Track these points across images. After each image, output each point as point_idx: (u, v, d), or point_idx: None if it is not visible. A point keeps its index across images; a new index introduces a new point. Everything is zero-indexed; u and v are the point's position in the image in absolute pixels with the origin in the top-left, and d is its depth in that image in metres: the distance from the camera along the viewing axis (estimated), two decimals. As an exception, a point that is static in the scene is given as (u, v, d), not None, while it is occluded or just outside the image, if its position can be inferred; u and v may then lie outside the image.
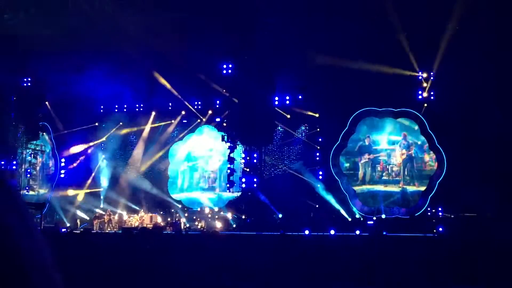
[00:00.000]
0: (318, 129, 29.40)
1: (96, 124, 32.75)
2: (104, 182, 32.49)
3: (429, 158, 28.41)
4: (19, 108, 31.49)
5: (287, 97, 29.50)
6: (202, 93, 31.03)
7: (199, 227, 28.36)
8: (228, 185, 29.70)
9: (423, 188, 28.19)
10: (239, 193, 29.83)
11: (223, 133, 30.21)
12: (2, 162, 31.17)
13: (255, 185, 29.25)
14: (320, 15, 25.88)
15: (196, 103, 31.56)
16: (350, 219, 27.76)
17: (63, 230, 28.48)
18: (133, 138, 32.97)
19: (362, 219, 27.84)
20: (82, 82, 29.93)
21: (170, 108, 31.97)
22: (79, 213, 31.05)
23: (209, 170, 32.09)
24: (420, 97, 28.18)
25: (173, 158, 32.63)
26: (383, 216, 27.56)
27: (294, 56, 27.37)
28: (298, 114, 29.73)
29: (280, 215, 28.22)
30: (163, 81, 30.14)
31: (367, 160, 29.04)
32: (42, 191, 33.64)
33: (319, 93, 28.87)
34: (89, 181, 32.36)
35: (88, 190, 32.06)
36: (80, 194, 31.67)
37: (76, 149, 32.31)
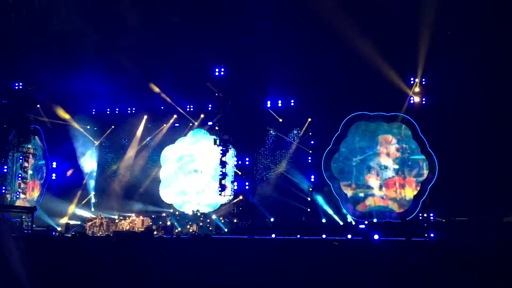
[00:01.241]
0: (310, 133, 29.45)
1: (88, 127, 32.64)
2: (96, 185, 32.41)
3: (421, 163, 28.44)
4: (11, 111, 31.34)
5: (279, 101, 29.58)
6: (194, 97, 31.00)
7: (190, 230, 28.31)
8: (220, 189, 29.65)
9: (415, 192, 28.22)
10: (231, 197, 29.80)
11: (215, 137, 30.21)
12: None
13: (247, 188, 29.25)
14: (313, 19, 25.93)
15: (188, 106, 31.52)
16: (342, 223, 27.78)
17: (53, 233, 28.39)
18: (125, 141, 32.89)
19: (353, 223, 27.88)
20: (73, 85, 29.89)
21: (162, 110, 31.92)
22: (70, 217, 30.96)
23: (200, 173, 32.02)
24: (411, 101, 28.26)
25: (165, 161, 32.56)
26: (375, 220, 27.62)
27: (287, 60, 27.39)
28: (291, 118, 29.77)
29: (272, 219, 28.25)
30: (155, 88, 30.24)
31: (358, 163, 29.07)
32: (33, 194, 33.48)
33: (312, 97, 28.92)
34: (81, 184, 32.23)
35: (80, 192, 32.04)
36: (72, 206, 31.55)
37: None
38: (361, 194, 28.80)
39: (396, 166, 28.63)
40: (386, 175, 28.69)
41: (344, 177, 29.08)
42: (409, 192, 28.29)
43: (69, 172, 32.28)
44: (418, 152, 28.36)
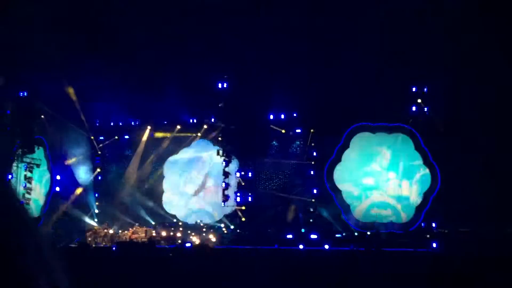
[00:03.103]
0: (313, 144, 29.57)
1: (92, 138, 32.78)
2: (99, 195, 32.49)
3: (423, 173, 28.51)
4: (15, 122, 31.45)
5: (282, 115, 29.73)
6: (197, 108, 31.15)
7: (193, 241, 28.33)
8: (223, 199, 29.72)
9: (418, 203, 28.28)
10: (233, 207, 29.86)
11: (218, 148, 30.30)
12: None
13: (249, 199, 29.32)
14: (315, 31, 26.09)
15: (191, 118, 31.68)
16: (344, 234, 27.82)
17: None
18: (128, 152, 32.99)
19: (356, 234, 27.92)
20: (77, 96, 30.07)
21: (165, 122, 32.14)
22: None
23: (203, 184, 32.08)
24: (414, 111, 28.37)
25: (168, 172, 32.64)
26: (378, 231, 27.65)
27: (289, 71, 27.52)
28: (293, 129, 29.88)
29: (274, 230, 28.30)
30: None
31: (359, 171, 29.23)
32: (37, 205, 33.49)
33: (314, 108, 29.04)
34: (83, 194, 32.26)
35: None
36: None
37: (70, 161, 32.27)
38: (361, 193, 28.89)
39: (395, 174, 28.77)
40: (386, 178, 28.82)
41: (345, 180, 29.14)
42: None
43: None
44: (421, 162, 28.43)
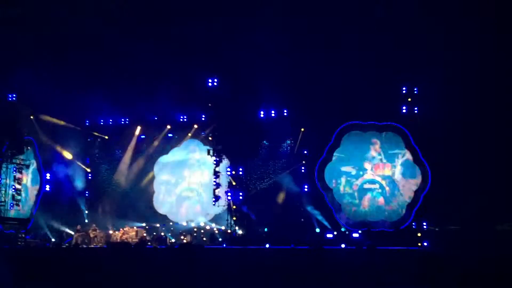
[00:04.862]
0: (301, 136, 29.60)
1: (82, 137, 32.60)
2: (89, 196, 32.35)
3: (413, 171, 28.60)
4: (4, 123, 31.29)
5: (272, 111, 29.65)
6: (187, 107, 31.06)
7: (184, 241, 28.27)
8: (213, 199, 29.69)
9: (408, 201, 28.36)
10: (225, 207, 29.82)
11: (208, 147, 30.26)
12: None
13: (240, 199, 29.30)
14: (306, 30, 26.15)
15: (181, 117, 31.56)
16: (335, 233, 27.85)
17: (48, 244, 28.34)
18: (118, 152, 32.86)
19: (347, 232, 27.96)
20: (67, 96, 29.91)
21: (155, 121, 32.01)
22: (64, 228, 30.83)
23: (194, 184, 32.02)
24: (404, 110, 28.44)
25: (158, 172, 32.54)
26: (369, 229, 27.71)
27: (280, 70, 27.51)
28: (284, 127, 29.86)
29: (266, 229, 28.30)
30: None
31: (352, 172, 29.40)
32: (27, 206, 33.31)
33: (305, 107, 29.03)
34: (74, 195, 32.10)
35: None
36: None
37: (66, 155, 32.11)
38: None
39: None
40: (379, 183, 28.98)
41: (337, 186, 29.22)
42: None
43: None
44: (411, 160, 28.54)
